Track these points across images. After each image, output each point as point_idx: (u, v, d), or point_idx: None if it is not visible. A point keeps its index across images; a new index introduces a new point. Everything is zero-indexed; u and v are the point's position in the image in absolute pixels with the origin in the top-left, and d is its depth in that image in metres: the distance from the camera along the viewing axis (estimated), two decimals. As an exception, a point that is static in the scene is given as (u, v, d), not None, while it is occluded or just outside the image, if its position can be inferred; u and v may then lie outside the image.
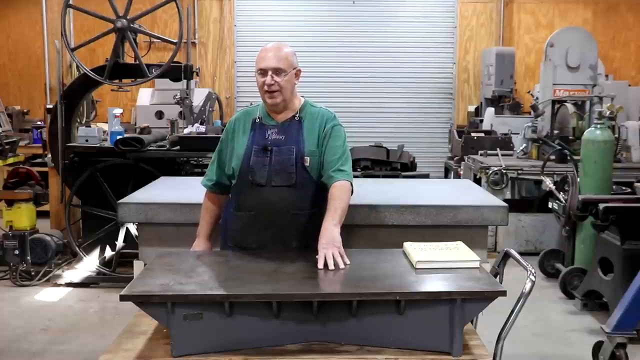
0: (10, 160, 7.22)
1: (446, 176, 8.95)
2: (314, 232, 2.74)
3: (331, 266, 2.52)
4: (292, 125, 2.93)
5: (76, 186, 5.93)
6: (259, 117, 2.96)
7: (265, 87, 2.85)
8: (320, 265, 2.54)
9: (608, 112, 5.82)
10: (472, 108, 9.71)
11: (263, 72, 2.85)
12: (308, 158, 2.88)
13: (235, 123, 3.02)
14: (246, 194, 2.91)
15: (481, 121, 8.83)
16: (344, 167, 2.86)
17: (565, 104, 7.24)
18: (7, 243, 5.92)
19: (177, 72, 5.95)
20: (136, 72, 5.95)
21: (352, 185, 2.86)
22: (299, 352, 2.32)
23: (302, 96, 3.05)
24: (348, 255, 2.61)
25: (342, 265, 2.54)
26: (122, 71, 5.96)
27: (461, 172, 7.69)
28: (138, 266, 3.28)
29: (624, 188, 5.74)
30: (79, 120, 6.44)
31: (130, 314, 2.79)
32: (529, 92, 8.36)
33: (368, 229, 3.27)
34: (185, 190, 3.66)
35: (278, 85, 2.84)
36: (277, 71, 2.84)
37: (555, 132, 7.22)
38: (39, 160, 7.90)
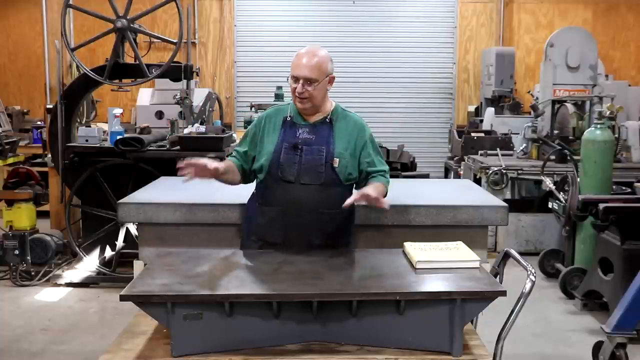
0: (10, 160, 7.22)
1: (446, 176, 8.95)
2: (337, 232, 2.93)
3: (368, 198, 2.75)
4: (323, 126, 3.00)
5: (76, 186, 5.93)
6: (290, 116, 3.01)
7: (296, 94, 2.91)
8: (348, 203, 2.77)
9: (608, 112, 5.82)
10: (472, 108, 9.70)
11: (295, 79, 2.92)
12: (337, 159, 2.94)
13: (266, 119, 3.06)
14: (274, 190, 2.95)
15: (481, 121, 8.83)
16: (387, 175, 3.07)
17: (565, 104, 7.24)
18: (7, 243, 5.92)
19: (177, 72, 5.95)
20: (136, 72, 5.95)
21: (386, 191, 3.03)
22: (299, 352, 2.32)
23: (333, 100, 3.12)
24: (348, 255, 2.62)
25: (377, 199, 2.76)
26: (122, 71, 5.96)
27: (461, 172, 7.69)
28: (138, 266, 3.28)
29: (624, 188, 5.74)
30: (79, 120, 6.44)
31: (130, 314, 2.79)
32: (529, 92, 8.36)
33: (368, 229, 3.27)
34: (185, 190, 3.64)
35: (308, 94, 2.92)
36: (309, 81, 2.91)
37: (555, 132, 7.22)
38: (39, 160, 7.89)
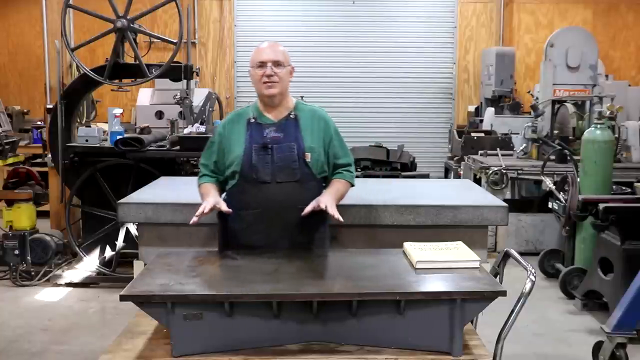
0: (10, 160, 7.22)
1: (446, 176, 8.95)
2: (315, 226, 2.94)
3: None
4: (289, 123, 2.99)
5: (76, 186, 5.93)
6: (253, 117, 2.99)
7: (265, 79, 2.90)
8: (306, 211, 2.83)
9: (608, 112, 5.82)
10: (472, 108, 9.70)
11: (262, 64, 2.91)
12: (309, 154, 2.96)
13: (228, 125, 3.04)
14: (251, 193, 2.93)
15: (481, 121, 8.83)
16: (351, 168, 3.10)
17: (565, 104, 7.24)
18: (7, 243, 5.92)
19: (177, 72, 5.95)
20: (136, 72, 5.95)
21: (352, 184, 3.11)
22: (299, 352, 2.32)
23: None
24: (348, 255, 2.62)
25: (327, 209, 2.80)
26: (122, 71, 5.96)
27: (461, 172, 7.69)
28: (138, 266, 3.29)
29: (624, 188, 5.74)
30: (79, 120, 6.44)
31: (130, 314, 2.79)
32: (529, 92, 8.36)
33: (368, 229, 3.27)
34: (185, 190, 3.65)
35: (277, 77, 2.92)
36: (276, 63, 2.92)
37: (555, 132, 7.22)
38: (39, 160, 7.89)
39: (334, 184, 3.04)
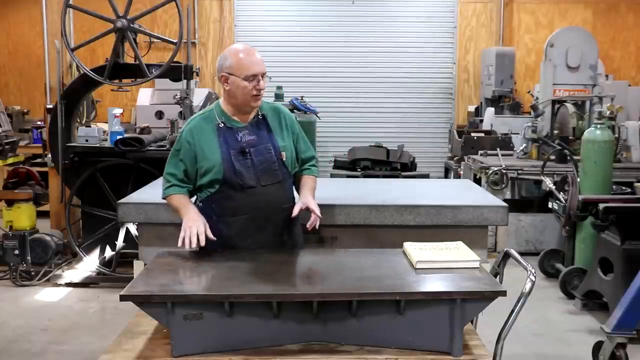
0: (10, 160, 7.22)
1: (446, 176, 8.95)
2: (296, 224, 3.03)
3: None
4: (260, 124, 2.97)
5: (76, 186, 5.93)
6: (222, 122, 2.92)
7: (255, 92, 2.85)
8: (295, 212, 2.88)
9: (608, 112, 5.82)
10: (472, 108, 9.70)
11: (254, 77, 2.84)
12: (284, 153, 2.96)
13: (195, 131, 2.91)
14: (236, 199, 2.89)
15: (481, 121, 8.83)
16: (315, 162, 3.18)
17: (565, 104, 7.24)
18: (7, 243, 5.92)
19: (177, 72, 5.95)
20: (136, 72, 5.95)
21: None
22: (299, 352, 2.32)
23: None
24: (348, 255, 2.62)
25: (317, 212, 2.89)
26: (122, 71, 5.96)
27: (461, 172, 7.69)
28: (138, 266, 3.29)
29: (624, 188, 5.74)
30: (79, 120, 6.44)
31: (130, 314, 2.79)
32: (529, 92, 8.36)
33: (368, 229, 3.27)
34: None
35: (264, 88, 2.91)
36: (264, 75, 2.90)
37: (555, 132, 7.22)
38: (39, 160, 7.90)
39: (307, 182, 3.06)
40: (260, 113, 2.98)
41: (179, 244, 2.77)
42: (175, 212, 2.96)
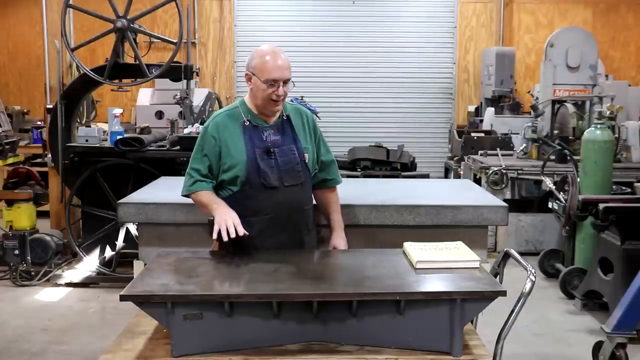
0: (10, 160, 7.22)
1: (446, 176, 8.95)
2: (314, 226, 3.06)
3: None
4: (285, 125, 2.95)
5: (76, 186, 5.93)
6: (248, 120, 2.90)
7: (274, 97, 2.81)
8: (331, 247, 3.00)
9: (608, 112, 5.82)
10: (472, 108, 9.70)
11: (275, 82, 2.79)
12: (306, 155, 2.95)
13: (220, 127, 2.88)
14: (258, 199, 2.87)
15: (481, 121, 8.83)
16: (336, 167, 3.14)
17: (565, 104, 7.24)
18: (7, 243, 5.92)
19: (177, 72, 5.95)
20: (136, 72, 5.95)
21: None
22: (299, 352, 2.32)
23: None
24: (348, 255, 2.62)
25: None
26: (122, 71, 5.96)
27: (461, 172, 7.69)
28: (138, 266, 3.29)
29: (624, 188, 5.74)
30: (79, 120, 6.44)
31: (130, 314, 2.79)
32: (529, 92, 8.36)
33: (368, 229, 3.27)
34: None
35: (284, 94, 2.85)
36: (287, 81, 2.84)
37: (555, 132, 7.22)
38: (39, 160, 7.90)
39: (333, 202, 3.09)
40: (285, 114, 2.96)
41: (214, 236, 2.74)
42: (202, 208, 2.92)
